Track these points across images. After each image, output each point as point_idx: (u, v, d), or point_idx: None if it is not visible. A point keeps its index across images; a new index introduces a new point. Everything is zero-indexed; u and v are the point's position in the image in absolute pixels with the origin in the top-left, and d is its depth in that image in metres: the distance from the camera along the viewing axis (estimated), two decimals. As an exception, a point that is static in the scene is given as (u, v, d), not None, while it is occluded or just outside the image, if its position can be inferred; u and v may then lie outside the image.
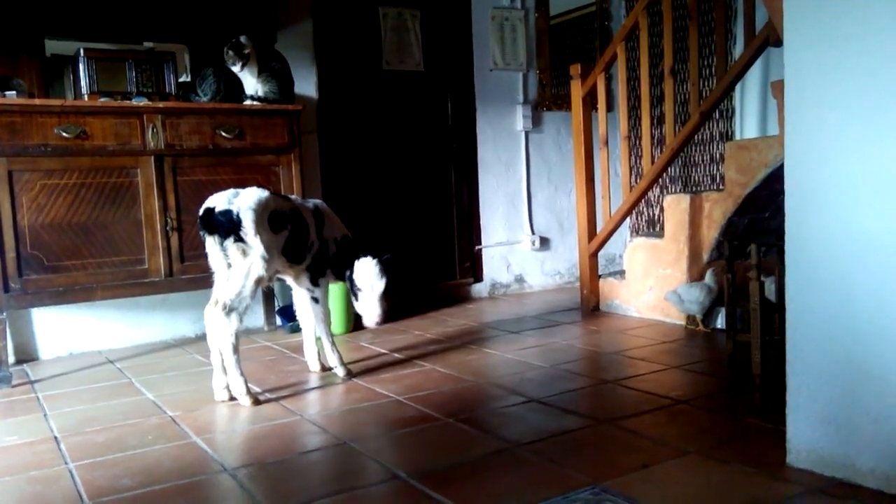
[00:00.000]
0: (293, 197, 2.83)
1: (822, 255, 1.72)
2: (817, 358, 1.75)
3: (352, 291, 2.80)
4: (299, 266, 2.75)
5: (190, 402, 2.62)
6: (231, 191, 2.56)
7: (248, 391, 2.55)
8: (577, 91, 4.12)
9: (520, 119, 4.97)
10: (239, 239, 2.47)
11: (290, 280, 2.87)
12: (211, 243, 2.54)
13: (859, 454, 1.68)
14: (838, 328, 1.71)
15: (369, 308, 2.75)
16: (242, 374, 2.54)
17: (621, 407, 2.37)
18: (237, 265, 2.50)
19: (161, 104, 3.27)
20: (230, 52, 3.44)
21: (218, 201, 2.51)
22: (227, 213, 2.46)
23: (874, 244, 1.63)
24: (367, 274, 2.72)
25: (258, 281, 2.52)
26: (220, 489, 1.85)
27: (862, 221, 1.65)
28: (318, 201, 2.91)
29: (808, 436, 1.78)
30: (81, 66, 3.26)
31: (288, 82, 3.62)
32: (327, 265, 2.84)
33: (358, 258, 2.75)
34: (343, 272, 2.84)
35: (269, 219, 2.53)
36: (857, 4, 1.63)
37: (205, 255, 3.33)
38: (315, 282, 2.83)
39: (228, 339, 2.50)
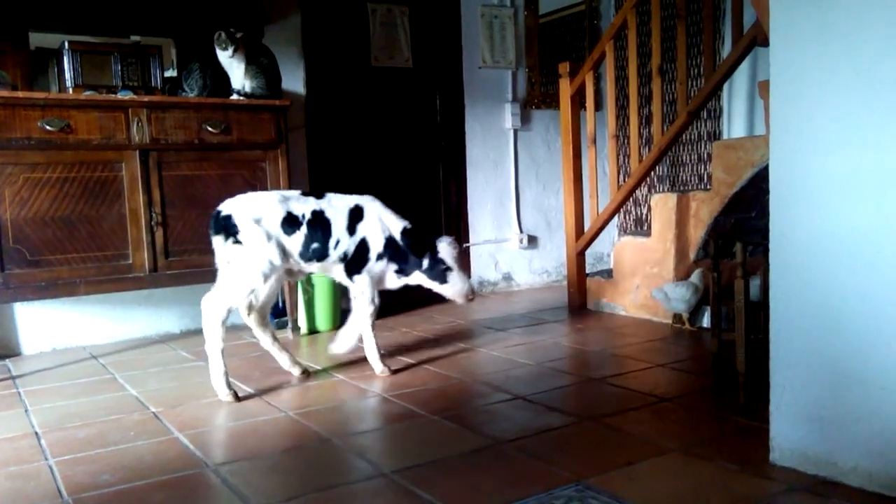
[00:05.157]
0: (329, 195, 2.79)
1: (807, 255, 1.73)
2: (801, 357, 1.76)
3: (436, 274, 2.79)
4: (323, 263, 2.74)
5: (173, 398, 2.60)
6: (244, 195, 2.70)
7: (228, 385, 2.58)
8: (565, 89, 4.12)
9: (508, 117, 4.97)
10: (237, 241, 2.59)
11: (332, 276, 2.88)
12: (217, 243, 2.65)
13: (842, 452, 1.69)
14: (822, 327, 1.71)
15: (462, 283, 2.80)
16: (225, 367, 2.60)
17: (606, 404, 2.37)
18: (237, 265, 2.60)
19: (146, 98, 3.25)
20: (222, 35, 3.39)
21: (225, 205, 2.64)
22: (228, 217, 2.59)
23: (858, 243, 1.63)
24: (453, 250, 2.78)
25: (262, 278, 2.60)
26: (202, 485, 1.84)
27: (846, 220, 1.65)
28: (363, 199, 2.82)
29: (791, 434, 1.79)
30: (66, 59, 3.23)
31: (275, 78, 3.60)
32: (365, 261, 2.76)
33: (429, 242, 2.79)
34: (411, 263, 2.80)
35: (283, 221, 2.64)
36: (842, 4, 1.63)
37: (189, 251, 3.36)
38: (350, 277, 2.79)
39: (211, 332, 2.60)
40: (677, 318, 3.54)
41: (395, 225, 2.80)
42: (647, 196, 5.07)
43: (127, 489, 1.81)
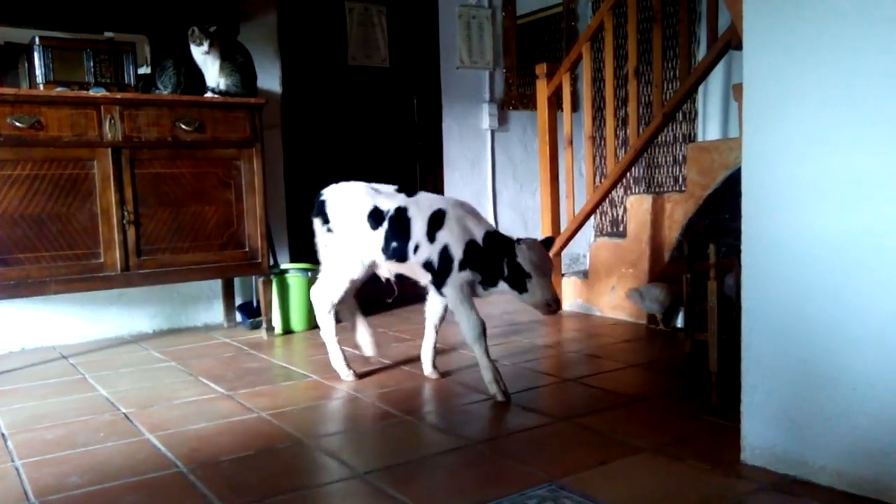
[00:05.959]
0: (421, 194, 2.68)
1: (778, 256, 1.74)
2: (772, 357, 1.77)
3: (515, 282, 2.45)
4: (404, 264, 2.61)
5: (144, 398, 2.57)
6: (344, 183, 2.77)
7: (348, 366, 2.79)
8: (542, 90, 4.13)
9: (486, 117, 4.97)
10: (330, 230, 2.72)
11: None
12: (316, 225, 2.78)
13: (812, 452, 1.71)
14: (793, 328, 1.73)
15: (542, 293, 2.42)
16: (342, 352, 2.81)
17: (580, 404, 2.38)
18: (332, 255, 2.73)
19: (119, 95, 3.20)
20: (196, 31, 3.36)
21: (326, 189, 2.77)
22: (323, 202, 2.73)
23: (828, 245, 1.65)
24: (534, 254, 2.42)
25: (346, 270, 2.69)
26: (172, 487, 1.81)
27: (817, 222, 1.67)
28: (448, 203, 2.61)
29: (762, 434, 1.80)
30: (37, 55, 3.18)
31: (251, 76, 3.57)
32: (449, 271, 2.51)
33: (508, 245, 2.46)
34: (493, 272, 2.50)
35: (369, 215, 2.63)
36: (813, 9, 1.65)
37: (162, 250, 3.31)
38: (439, 291, 2.58)
39: (322, 321, 2.78)
40: (652, 318, 3.57)
41: (478, 230, 2.53)
42: (622, 197, 5.10)
43: (95, 491, 1.78)
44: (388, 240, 2.60)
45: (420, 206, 2.60)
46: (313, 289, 2.81)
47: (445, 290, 2.55)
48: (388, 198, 2.65)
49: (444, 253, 2.52)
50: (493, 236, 2.53)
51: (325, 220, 2.72)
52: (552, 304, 2.45)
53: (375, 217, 2.62)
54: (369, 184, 2.75)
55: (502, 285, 2.51)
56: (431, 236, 2.54)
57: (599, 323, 3.75)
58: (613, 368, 2.84)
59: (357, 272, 2.70)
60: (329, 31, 4.39)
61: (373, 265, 2.71)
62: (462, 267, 2.50)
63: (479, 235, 2.52)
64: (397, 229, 2.59)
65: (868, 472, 1.61)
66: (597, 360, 2.98)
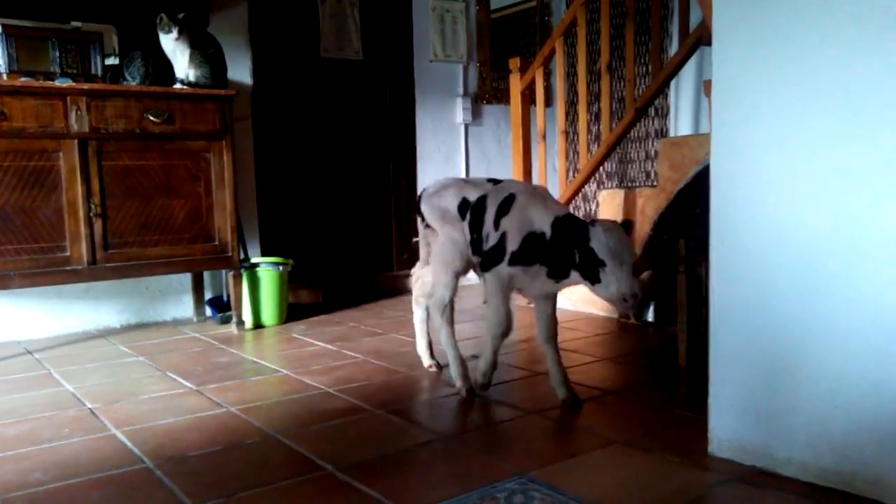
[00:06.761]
0: (504, 181, 2.49)
1: (746, 251, 1.76)
2: (739, 351, 1.79)
3: (587, 271, 2.12)
4: (478, 257, 2.48)
5: (111, 393, 2.53)
6: (443, 178, 2.66)
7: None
8: (516, 85, 4.13)
9: (459, 111, 4.97)
10: (427, 225, 2.58)
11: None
12: (419, 222, 2.67)
13: (777, 444, 1.73)
14: (759, 322, 1.74)
15: (618, 284, 2.05)
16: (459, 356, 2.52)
17: (551, 398, 2.38)
18: (432, 251, 2.58)
19: (86, 86, 3.14)
20: (164, 18, 3.30)
21: (426, 187, 2.65)
22: (420, 197, 2.64)
23: (796, 240, 1.67)
24: (611, 238, 2.06)
25: (449, 264, 2.47)
26: (138, 483, 1.79)
27: (784, 217, 1.69)
28: (520, 188, 2.39)
29: (729, 426, 1.82)
30: (0, 44, 3.11)
31: (221, 67, 3.52)
32: (498, 260, 2.31)
33: (580, 230, 2.13)
34: (563, 261, 2.19)
35: (459, 207, 2.46)
36: (781, 6, 1.66)
37: (130, 243, 3.26)
38: (483, 270, 2.40)
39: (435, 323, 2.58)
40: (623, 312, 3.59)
41: (544, 218, 2.23)
42: (595, 192, 5.13)
43: (59, 487, 1.75)
44: (470, 232, 2.42)
45: (498, 193, 2.38)
46: (427, 297, 2.60)
47: (487, 274, 2.35)
48: (475, 188, 2.48)
49: (503, 240, 2.30)
50: (564, 221, 2.20)
51: (422, 217, 2.59)
52: (629, 300, 2.07)
53: (462, 209, 2.46)
54: (462, 177, 2.65)
55: (574, 275, 2.19)
56: (497, 223, 2.33)
57: (571, 317, 3.76)
58: (584, 362, 2.85)
59: (458, 264, 2.47)
60: (301, 23, 4.35)
61: (469, 261, 2.49)
62: (512, 261, 2.27)
63: (545, 224, 2.22)
64: (475, 219, 2.41)
65: (832, 463, 1.63)
66: (567, 354, 2.99)
